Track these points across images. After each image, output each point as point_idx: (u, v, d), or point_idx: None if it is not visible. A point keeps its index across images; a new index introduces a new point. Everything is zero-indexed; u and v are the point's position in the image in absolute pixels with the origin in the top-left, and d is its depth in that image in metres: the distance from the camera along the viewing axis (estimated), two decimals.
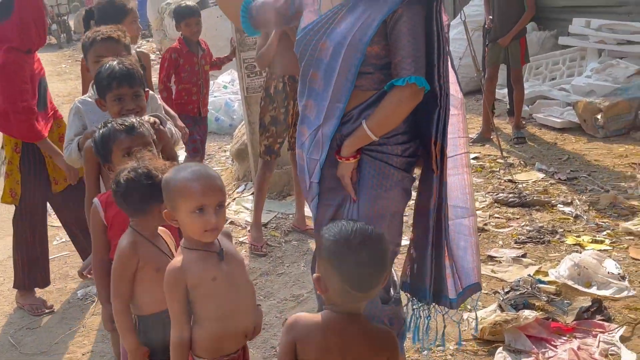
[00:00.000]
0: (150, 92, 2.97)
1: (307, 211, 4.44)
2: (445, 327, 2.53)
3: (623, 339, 2.86)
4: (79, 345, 3.27)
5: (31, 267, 3.67)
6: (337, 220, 1.92)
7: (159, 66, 4.85)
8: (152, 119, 2.68)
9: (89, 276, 2.74)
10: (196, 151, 4.66)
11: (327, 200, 2.33)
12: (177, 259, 1.98)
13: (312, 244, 4.12)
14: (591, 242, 3.84)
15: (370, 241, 1.77)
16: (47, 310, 3.66)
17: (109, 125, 2.41)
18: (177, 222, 1.99)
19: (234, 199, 4.91)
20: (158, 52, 12.51)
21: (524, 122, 6.40)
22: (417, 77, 2.12)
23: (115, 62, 2.69)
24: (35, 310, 3.64)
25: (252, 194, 4.97)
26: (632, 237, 3.86)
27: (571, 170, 5.08)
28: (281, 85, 3.93)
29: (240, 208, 4.75)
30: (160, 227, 2.31)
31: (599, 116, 5.89)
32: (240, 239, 4.30)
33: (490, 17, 6.08)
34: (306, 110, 2.33)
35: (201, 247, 1.99)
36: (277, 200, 4.74)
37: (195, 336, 1.99)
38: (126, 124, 2.42)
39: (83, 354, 3.19)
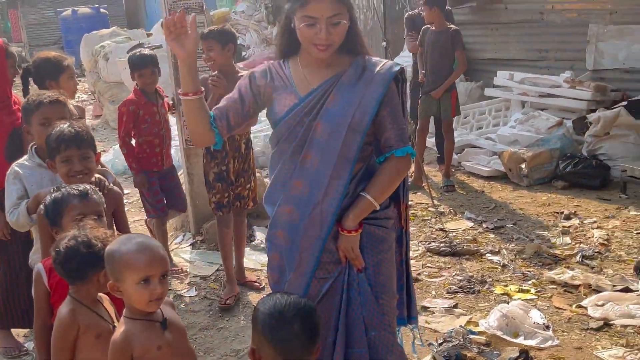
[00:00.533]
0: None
1: (247, 263, 4.52)
2: None
3: None
4: None
5: (7, 306, 3.57)
6: (273, 293, 2.05)
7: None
8: (97, 178, 2.74)
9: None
10: (163, 210, 4.53)
11: (322, 274, 2.37)
12: (121, 330, 2.03)
13: (252, 297, 4.18)
14: (518, 292, 4.06)
15: (303, 314, 1.88)
16: (21, 354, 3.57)
17: (63, 189, 2.45)
18: (121, 293, 2.04)
19: (172, 250, 4.92)
20: (90, 93, 12.40)
21: (452, 170, 6.68)
22: (409, 147, 2.33)
23: (65, 125, 2.75)
24: (9, 352, 3.56)
25: (190, 245, 5.02)
26: (555, 287, 4.10)
27: (498, 219, 5.34)
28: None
29: (179, 260, 4.76)
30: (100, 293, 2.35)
31: (523, 165, 6.23)
32: (179, 292, 4.33)
33: (423, 71, 6.37)
34: (293, 190, 2.34)
35: (144, 316, 2.06)
36: (217, 252, 4.79)
37: None
38: (80, 189, 2.47)
39: None
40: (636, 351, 3.31)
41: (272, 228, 2.43)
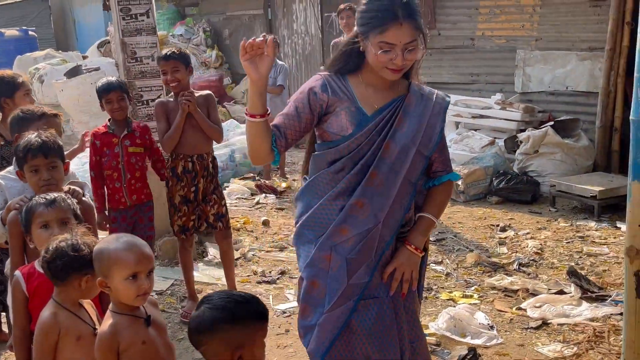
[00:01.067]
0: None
1: (201, 278, 4.63)
2: None
3: None
4: None
5: None
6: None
7: None
8: (71, 188, 2.83)
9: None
10: None
11: (367, 295, 2.35)
12: (108, 323, 2.14)
13: None
14: (462, 297, 4.33)
15: (239, 296, 1.98)
16: None
17: (34, 198, 2.55)
18: (109, 289, 2.16)
19: None
20: None
21: None
22: (455, 172, 2.51)
23: (33, 135, 2.83)
24: None
25: None
26: (496, 292, 4.39)
27: (439, 232, 5.63)
28: (190, 165, 4.07)
29: None
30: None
31: (459, 182, 6.58)
32: None
33: None
34: (354, 210, 2.29)
35: (130, 312, 2.18)
36: (171, 267, 4.87)
37: None
38: (47, 197, 2.57)
39: None
40: (572, 346, 3.62)
41: (320, 251, 2.33)
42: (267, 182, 7.36)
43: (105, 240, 2.25)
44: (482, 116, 7.62)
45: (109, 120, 4.10)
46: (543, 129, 6.77)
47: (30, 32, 18.76)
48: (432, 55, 8.46)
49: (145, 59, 4.90)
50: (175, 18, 13.31)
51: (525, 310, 4.08)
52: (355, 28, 2.29)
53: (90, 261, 2.29)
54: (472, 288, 4.47)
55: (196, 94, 4.12)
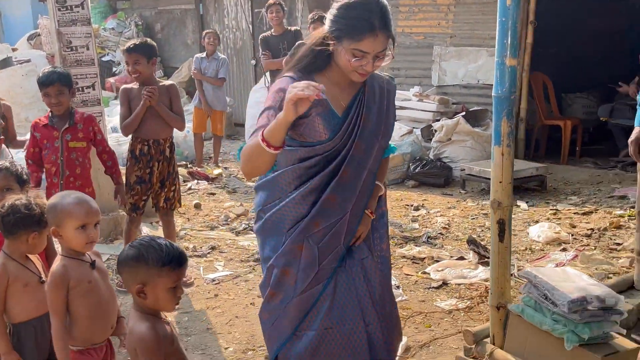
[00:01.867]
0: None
1: None
2: None
3: None
4: None
5: None
6: None
7: None
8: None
9: None
10: None
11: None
12: (59, 264, 2.51)
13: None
14: None
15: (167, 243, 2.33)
16: None
17: None
18: (61, 237, 2.54)
19: None
20: None
21: None
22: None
23: None
24: None
25: None
26: (405, 260, 4.93)
27: None
28: (146, 148, 4.37)
29: None
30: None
31: None
32: None
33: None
34: (327, 204, 2.42)
35: (78, 256, 2.57)
36: (106, 244, 5.21)
37: (71, 330, 2.53)
38: None
39: None
40: (466, 300, 4.18)
41: (293, 243, 2.47)
42: (199, 169, 7.72)
43: (57, 195, 2.61)
44: (401, 107, 8.17)
45: (51, 111, 4.02)
46: (455, 119, 7.41)
47: None
48: None
49: (80, 48, 5.20)
50: (107, 12, 13.41)
51: (429, 273, 4.63)
52: (326, 28, 2.34)
53: (39, 220, 2.67)
54: None
55: (160, 84, 4.44)
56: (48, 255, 2.96)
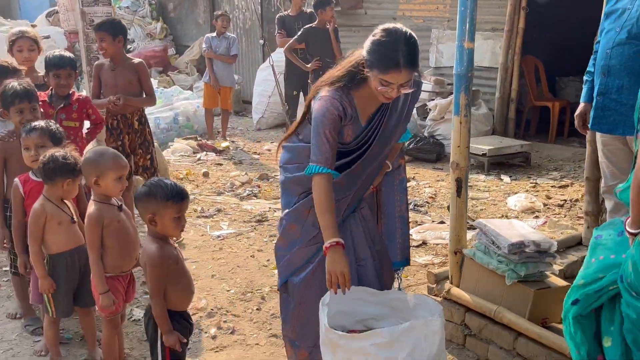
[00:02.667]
0: None
1: None
2: None
3: None
4: None
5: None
6: None
7: None
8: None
9: (5, 246, 3.70)
10: None
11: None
12: (95, 208, 3.09)
13: None
14: None
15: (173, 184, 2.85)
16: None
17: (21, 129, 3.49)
18: (99, 186, 3.09)
19: None
20: None
21: None
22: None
23: (16, 83, 3.71)
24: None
25: None
26: None
27: None
28: (115, 122, 4.86)
29: None
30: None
31: None
32: None
33: (317, 58, 7.44)
34: (335, 184, 2.72)
35: (108, 201, 3.15)
36: None
37: (104, 260, 3.12)
38: (28, 127, 3.48)
39: None
40: (440, 256, 4.75)
41: (302, 205, 2.87)
42: (208, 142, 8.31)
43: (94, 151, 3.18)
44: None
45: (51, 89, 4.26)
46: (448, 99, 7.92)
47: None
48: (359, 32, 9.49)
49: None
50: None
51: (411, 234, 5.19)
52: (363, 54, 2.61)
53: (73, 169, 3.25)
54: None
55: (129, 61, 4.85)
56: (79, 201, 3.54)
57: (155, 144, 5.39)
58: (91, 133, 4.56)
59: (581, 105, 3.71)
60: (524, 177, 6.85)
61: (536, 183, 6.55)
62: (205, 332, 3.77)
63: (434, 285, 3.69)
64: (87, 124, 4.49)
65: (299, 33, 7.58)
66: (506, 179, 6.79)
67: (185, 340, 2.83)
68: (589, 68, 3.67)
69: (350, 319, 2.91)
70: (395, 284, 3.17)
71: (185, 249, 4.97)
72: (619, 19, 3.38)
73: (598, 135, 3.63)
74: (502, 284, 3.23)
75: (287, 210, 2.96)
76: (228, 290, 4.29)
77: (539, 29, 9.08)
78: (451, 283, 3.56)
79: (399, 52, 2.51)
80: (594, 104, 3.53)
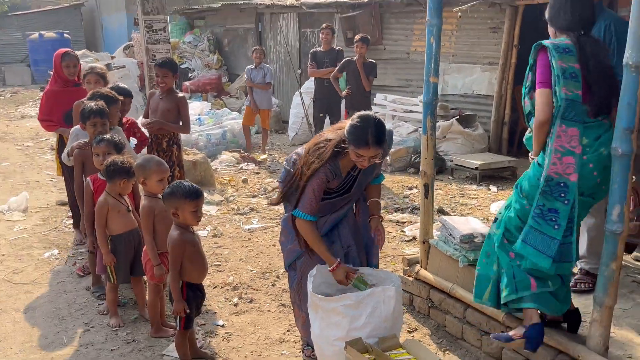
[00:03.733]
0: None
1: None
2: None
3: None
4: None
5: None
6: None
7: None
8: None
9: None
10: None
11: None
12: (147, 201, 3.58)
13: None
14: None
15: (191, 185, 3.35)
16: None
17: (93, 140, 4.03)
18: (146, 185, 3.60)
19: None
20: None
21: None
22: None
23: (92, 103, 4.25)
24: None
25: None
26: (391, 222, 5.90)
27: None
28: (150, 142, 5.19)
29: None
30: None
31: (387, 158, 8.07)
32: None
33: (349, 87, 7.79)
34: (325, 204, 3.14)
35: (156, 196, 3.64)
36: None
37: (156, 240, 3.59)
38: (98, 138, 4.02)
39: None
40: None
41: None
42: (249, 154, 8.84)
43: (143, 159, 3.68)
44: (411, 111, 9.11)
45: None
46: (450, 121, 8.28)
47: (65, 35, 20.06)
48: (379, 64, 9.92)
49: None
50: (186, 28, 14.68)
51: (405, 232, 5.59)
52: (345, 132, 2.94)
53: (127, 172, 3.76)
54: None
55: (176, 94, 5.15)
56: (134, 195, 4.07)
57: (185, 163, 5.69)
58: (137, 148, 5.09)
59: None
60: (509, 188, 7.14)
61: None
62: (230, 301, 4.24)
63: (407, 268, 4.08)
64: (133, 140, 5.07)
65: (340, 64, 7.92)
66: (493, 188, 7.11)
67: (188, 310, 3.22)
68: None
69: (333, 288, 3.32)
70: None
71: (221, 238, 5.47)
72: None
73: None
74: (456, 267, 3.61)
75: (284, 217, 3.37)
76: (251, 271, 4.76)
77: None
78: (420, 266, 3.95)
79: (368, 134, 2.84)
80: None
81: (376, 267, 3.46)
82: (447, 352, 3.53)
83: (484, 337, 3.38)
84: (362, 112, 2.97)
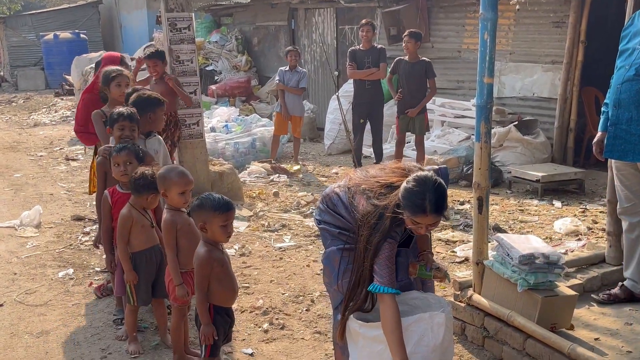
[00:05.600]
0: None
1: None
2: None
3: None
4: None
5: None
6: None
7: None
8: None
9: (100, 246, 4.37)
10: None
11: None
12: (169, 214, 3.65)
13: None
14: None
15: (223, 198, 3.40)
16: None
17: (113, 147, 4.14)
18: (167, 197, 3.69)
19: None
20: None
21: None
22: None
23: (123, 108, 4.36)
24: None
25: None
26: (440, 241, 5.87)
27: None
28: None
29: None
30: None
31: None
32: None
33: (400, 90, 7.87)
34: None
35: (179, 209, 3.72)
36: None
37: (178, 257, 3.66)
38: (119, 146, 4.13)
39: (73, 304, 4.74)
40: None
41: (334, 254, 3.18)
42: (281, 165, 8.92)
43: (167, 168, 3.77)
44: (462, 116, 9.08)
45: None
46: (507, 127, 8.22)
47: (81, 35, 20.66)
48: None
49: (186, 61, 6.50)
50: (212, 27, 14.95)
51: (456, 252, 5.56)
52: (399, 196, 2.80)
53: (156, 186, 3.83)
54: None
55: (167, 77, 6.31)
56: (156, 209, 4.15)
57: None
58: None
59: (599, 134, 4.02)
60: (576, 203, 7.04)
61: (585, 208, 6.74)
62: (259, 327, 4.28)
63: (459, 293, 4.06)
64: None
65: (392, 65, 7.96)
66: (557, 204, 7.01)
67: (217, 337, 3.26)
68: (606, 100, 3.97)
69: (375, 315, 3.33)
70: None
71: (250, 257, 5.54)
72: (629, 57, 3.70)
73: (612, 161, 3.93)
74: (515, 291, 3.58)
75: (325, 254, 3.25)
76: (283, 294, 4.80)
77: (599, 62, 9.22)
78: (474, 290, 3.93)
79: (426, 201, 2.72)
80: (607, 133, 3.85)
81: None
82: None
83: None
84: (420, 174, 2.85)
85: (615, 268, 4.24)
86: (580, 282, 4.09)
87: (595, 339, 3.52)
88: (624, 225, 3.98)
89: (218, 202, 3.20)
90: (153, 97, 4.64)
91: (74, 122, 5.97)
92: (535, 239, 3.79)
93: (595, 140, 4.06)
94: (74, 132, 5.93)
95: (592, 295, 4.04)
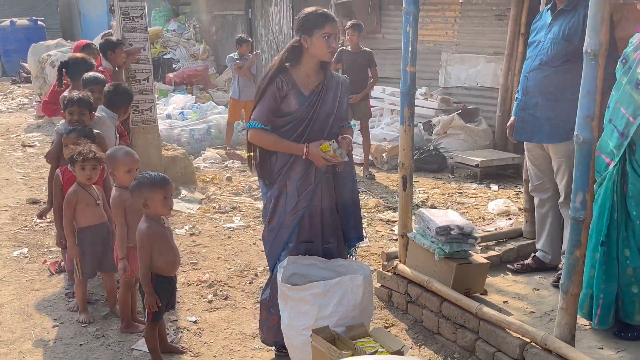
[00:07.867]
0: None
1: None
2: None
3: None
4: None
5: None
6: None
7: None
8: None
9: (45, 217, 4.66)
10: None
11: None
12: (117, 192, 3.94)
13: None
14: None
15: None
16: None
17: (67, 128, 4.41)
18: (115, 176, 3.98)
19: None
20: (34, 96, 13.98)
21: None
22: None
23: (76, 93, 4.62)
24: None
25: None
26: (381, 221, 6.25)
27: (363, 188, 7.47)
28: None
29: None
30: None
31: (384, 155, 8.44)
32: None
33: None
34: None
35: (125, 187, 4.01)
36: None
37: (128, 234, 3.95)
38: (71, 128, 4.40)
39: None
40: None
41: (279, 182, 3.51)
42: (235, 151, 9.21)
43: (114, 149, 4.06)
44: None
45: None
46: (451, 115, 8.64)
47: (39, 22, 20.49)
48: (377, 54, 10.26)
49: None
50: (170, 15, 15.11)
51: (394, 231, 5.94)
52: (298, 32, 3.40)
53: (94, 159, 4.10)
54: (364, 219, 6.33)
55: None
56: (105, 188, 4.43)
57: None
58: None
59: (512, 118, 4.43)
60: (511, 186, 7.50)
61: (520, 191, 7.19)
62: (204, 298, 4.61)
63: (387, 263, 4.44)
64: None
65: (335, 56, 8.19)
66: (494, 187, 7.46)
67: (160, 304, 3.55)
68: (519, 87, 4.38)
69: (304, 280, 3.68)
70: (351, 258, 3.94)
71: (200, 237, 5.85)
72: (535, 48, 4.11)
73: (525, 143, 4.34)
74: (433, 260, 3.97)
75: (270, 190, 3.58)
76: (229, 269, 5.13)
77: None
78: (399, 261, 4.31)
79: (322, 11, 3.39)
80: (517, 117, 4.26)
81: (358, 239, 3.80)
82: (423, 346, 3.88)
83: (458, 331, 3.73)
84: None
85: (530, 241, 4.67)
86: (498, 253, 4.51)
87: (504, 302, 3.94)
88: (535, 201, 4.40)
89: (155, 179, 3.50)
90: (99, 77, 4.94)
91: (31, 109, 6.17)
92: (453, 213, 4.18)
93: (508, 124, 4.46)
94: (35, 113, 6.07)
95: (507, 265, 4.46)
